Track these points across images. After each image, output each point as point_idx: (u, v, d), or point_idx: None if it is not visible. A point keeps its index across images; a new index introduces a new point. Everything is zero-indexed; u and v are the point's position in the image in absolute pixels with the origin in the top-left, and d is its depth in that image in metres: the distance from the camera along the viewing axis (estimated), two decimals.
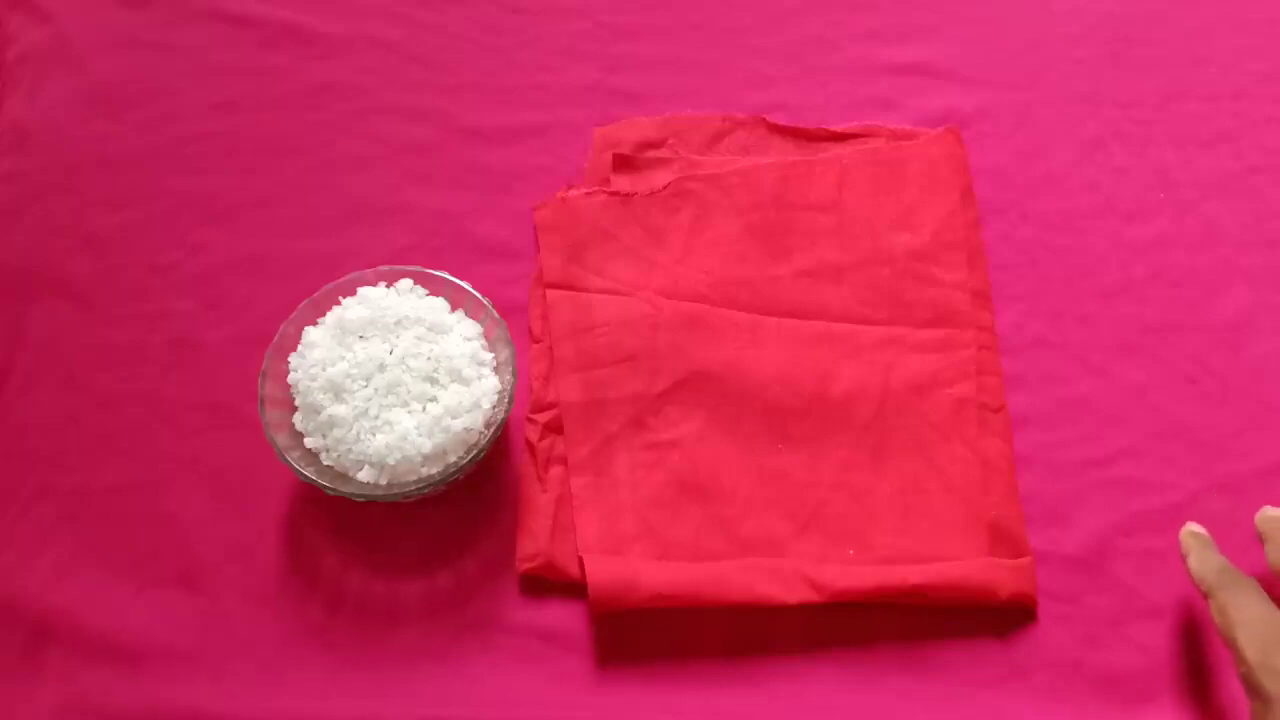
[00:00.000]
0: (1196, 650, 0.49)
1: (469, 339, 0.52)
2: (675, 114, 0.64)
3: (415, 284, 0.53)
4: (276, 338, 0.52)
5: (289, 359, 0.51)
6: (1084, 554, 0.51)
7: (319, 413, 0.49)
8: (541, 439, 0.54)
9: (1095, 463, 0.54)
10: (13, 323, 0.58)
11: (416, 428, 0.49)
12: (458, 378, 0.50)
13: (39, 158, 0.63)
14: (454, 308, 0.53)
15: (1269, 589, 0.44)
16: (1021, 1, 0.69)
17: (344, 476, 0.50)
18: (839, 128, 0.63)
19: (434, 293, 0.53)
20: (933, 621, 0.50)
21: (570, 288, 0.57)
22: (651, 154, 0.62)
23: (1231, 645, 0.42)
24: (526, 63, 0.66)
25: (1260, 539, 0.47)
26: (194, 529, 0.53)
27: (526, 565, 0.51)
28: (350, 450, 0.49)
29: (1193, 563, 0.46)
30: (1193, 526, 0.48)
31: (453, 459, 0.49)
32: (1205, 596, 0.45)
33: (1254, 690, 0.41)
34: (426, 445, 0.48)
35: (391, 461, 0.48)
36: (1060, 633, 0.50)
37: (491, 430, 0.50)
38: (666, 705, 0.48)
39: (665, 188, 0.60)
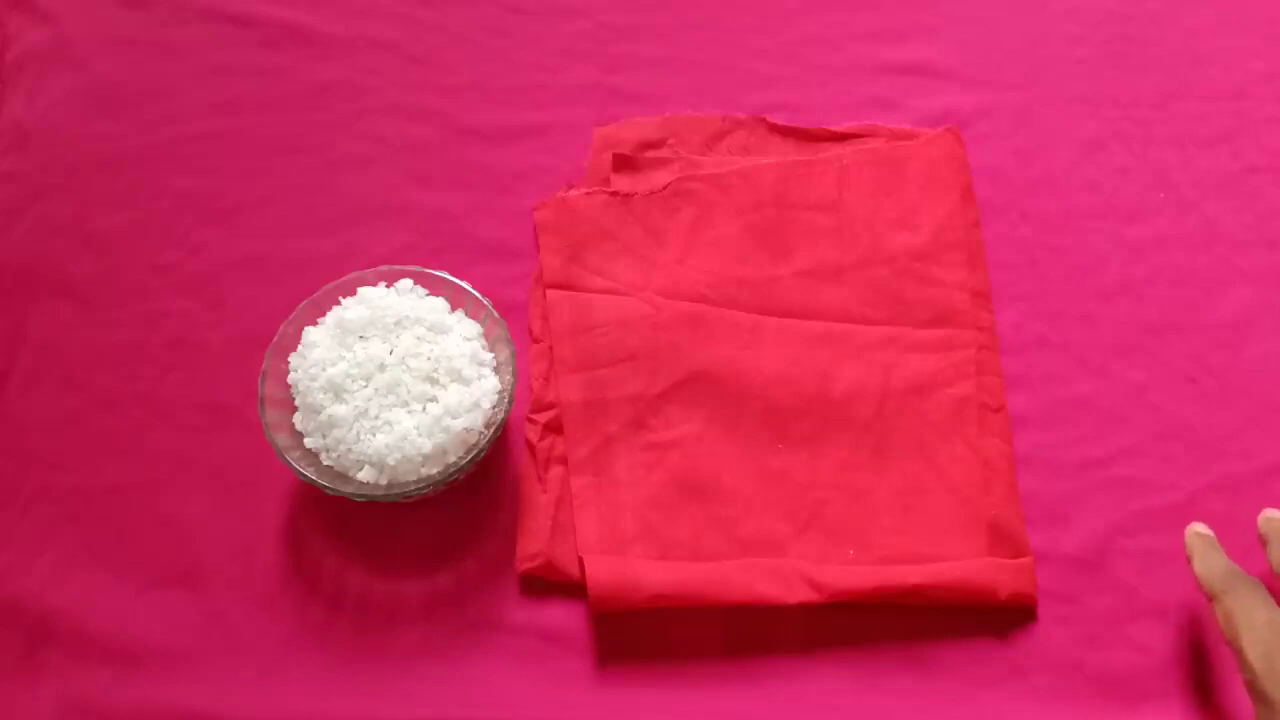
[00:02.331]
0: (1197, 650, 0.49)
1: (469, 339, 0.52)
2: (675, 114, 0.64)
3: (415, 284, 0.53)
4: (276, 338, 0.52)
5: (289, 359, 0.51)
6: (1084, 554, 0.51)
7: (319, 413, 0.49)
8: (541, 439, 0.54)
9: (1095, 463, 0.54)
10: (13, 323, 0.58)
11: (416, 428, 0.49)
12: (458, 378, 0.50)
13: (39, 158, 0.63)
14: (454, 308, 0.53)
15: (1272, 589, 0.44)
16: (1021, 1, 0.69)
17: (344, 476, 0.50)
18: (839, 128, 0.63)
19: (434, 293, 0.53)
20: (933, 621, 0.50)
21: (570, 288, 0.57)
22: (651, 154, 0.62)
23: (1236, 651, 0.42)
24: (526, 63, 0.66)
25: (1262, 540, 0.46)
26: (194, 529, 0.53)
27: (526, 565, 0.51)
28: (350, 450, 0.49)
29: (1197, 565, 0.46)
30: (1198, 527, 0.48)
31: (453, 459, 0.49)
32: (1210, 599, 0.44)
33: (1259, 697, 0.41)
34: (426, 445, 0.48)
35: (391, 461, 0.48)
36: (1060, 633, 0.50)
37: (491, 430, 0.50)
38: (666, 705, 0.48)
39: (665, 188, 0.60)
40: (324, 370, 0.50)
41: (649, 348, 0.55)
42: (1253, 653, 0.41)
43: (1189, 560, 0.46)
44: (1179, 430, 0.54)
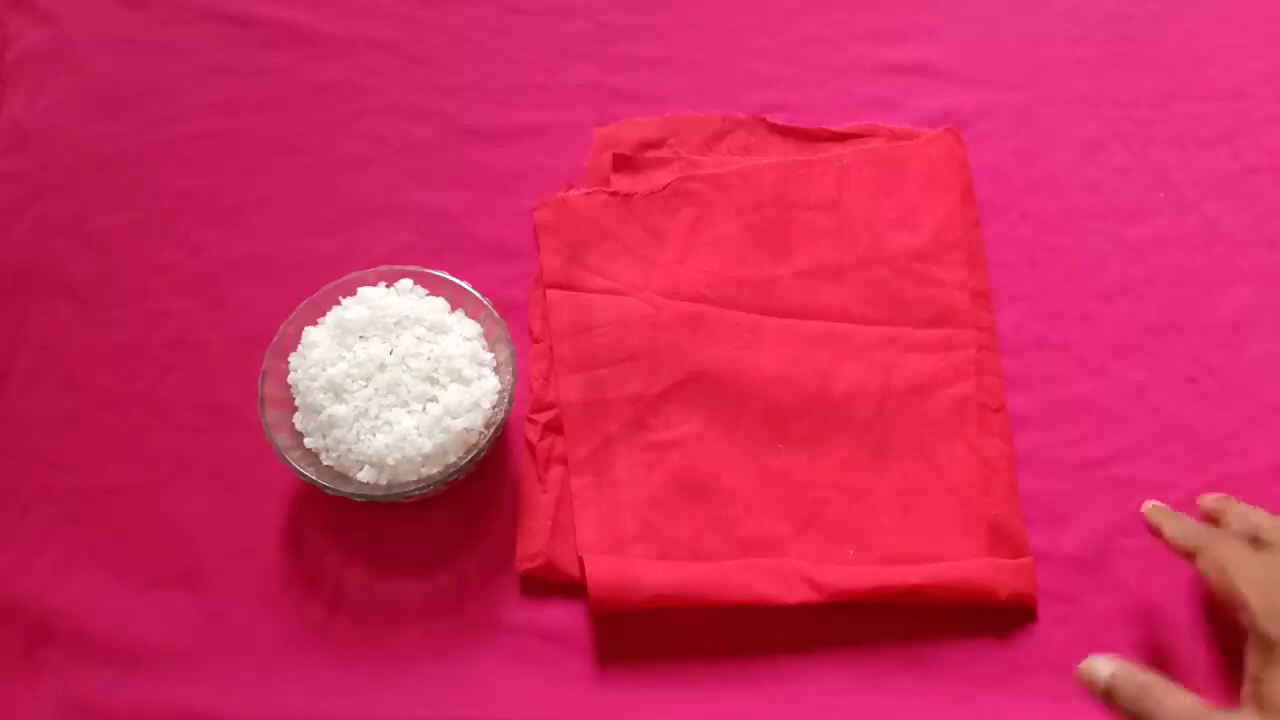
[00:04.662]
0: (1197, 650, 0.49)
1: (469, 339, 0.52)
2: (675, 114, 0.64)
3: (415, 284, 0.53)
4: (276, 338, 0.52)
5: (289, 359, 0.51)
6: (1084, 554, 0.51)
7: (319, 413, 0.49)
8: (541, 439, 0.54)
9: (1095, 463, 0.54)
10: (13, 323, 0.58)
11: (416, 428, 0.49)
12: (458, 378, 0.50)
13: (39, 158, 0.63)
14: (454, 308, 0.53)
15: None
16: (1021, 1, 0.69)
17: (344, 476, 0.50)
18: (839, 128, 0.63)
19: (434, 293, 0.53)
20: (933, 621, 0.50)
21: (570, 288, 0.57)
22: (651, 154, 0.62)
23: (1232, 595, 0.42)
24: (526, 63, 0.66)
25: (1209, 517, 0.48)
26: (194, 529, 0.53)
27: (526, 565, 0.51)
28: (350, 450, 0.49)
29: (1169, 530, 0.46)
30: (1152, 503, 0.49)
31: (453, 459, 0.49)
32: (1190, 558, 0.44)
33: (1259, 640, 0.40)
34: (426, 445, 0.48)
35: (391, 461, 0.48)
36: (1060, 633, 0.50)
37: (491, 430, 0.50)
38: (666, 705, 0.48)
39: (665, 188, 0.60)
40: (324, 370, 0.50)
41: (649, 348, 0.55)
42: (1251, 593, 0.41)
43: (1157, 533, 0.47)
44: (1179, 430, 0.54)
